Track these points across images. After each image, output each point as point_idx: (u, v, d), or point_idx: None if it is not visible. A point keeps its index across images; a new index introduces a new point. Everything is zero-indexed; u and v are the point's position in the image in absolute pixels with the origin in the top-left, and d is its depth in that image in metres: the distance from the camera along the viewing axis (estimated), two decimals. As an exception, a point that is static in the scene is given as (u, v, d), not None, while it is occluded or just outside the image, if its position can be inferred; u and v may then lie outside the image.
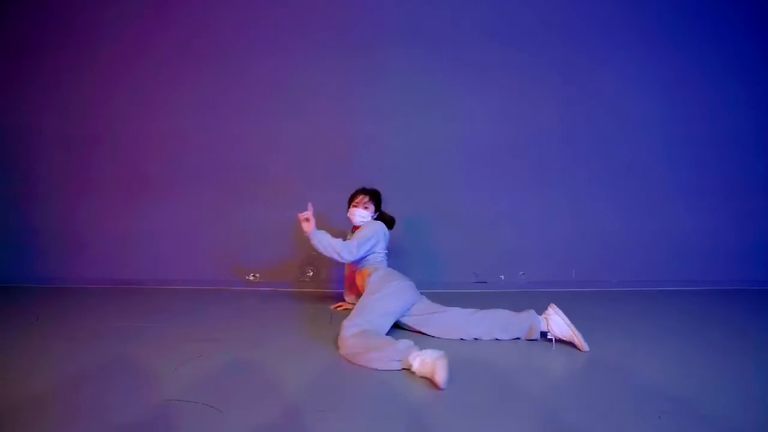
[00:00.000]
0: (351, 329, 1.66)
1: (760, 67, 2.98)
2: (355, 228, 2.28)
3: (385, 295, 1.85)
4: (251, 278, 2.97)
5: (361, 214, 2.22)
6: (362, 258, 2.12)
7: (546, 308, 1.79)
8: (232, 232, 2.98)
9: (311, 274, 2.93)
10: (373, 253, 2.13)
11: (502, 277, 2.92)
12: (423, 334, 1.87)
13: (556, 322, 1.74)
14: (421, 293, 2.01)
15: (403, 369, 1.48)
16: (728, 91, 2.97)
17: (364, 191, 2.28)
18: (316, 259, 2.93)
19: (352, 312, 1.77)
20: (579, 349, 1.67)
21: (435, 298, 2.02)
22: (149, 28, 3.02)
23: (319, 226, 2.07)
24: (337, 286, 2.87)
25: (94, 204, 3.03)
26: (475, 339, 1.81)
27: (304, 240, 2.80)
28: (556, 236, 2.94)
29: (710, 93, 2.97)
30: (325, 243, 2.00)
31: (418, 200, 2.89)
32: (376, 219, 2.28)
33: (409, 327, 1.91)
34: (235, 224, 2.97)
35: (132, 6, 3.02)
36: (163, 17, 3.02)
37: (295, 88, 2.96)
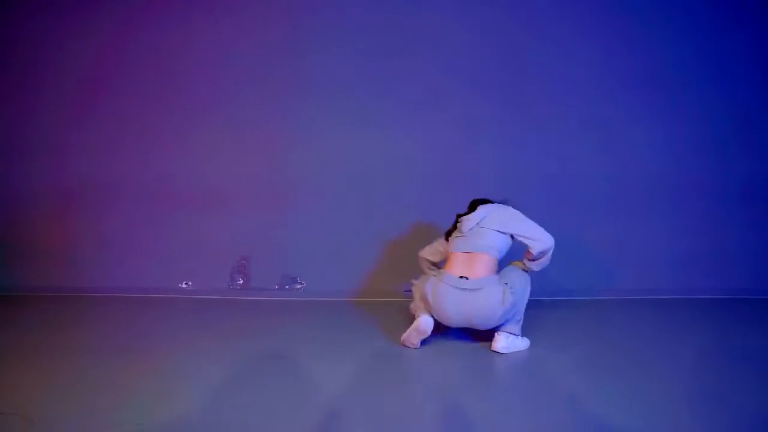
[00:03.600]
0: None
1: (733, 65, 2.87)
2: None
3: None
4: (184, 286, 3.02)
5: None
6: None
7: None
8: (166, 240, 3.02)
9: (241, 282, 2.96)
10: None
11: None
12: None
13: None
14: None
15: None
16: (701, 92, 2.88)
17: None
18: (246, 267, 2.97)
19: None
20: None
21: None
22: (90, 39, 3.07)
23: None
24: (268, 294, 2.90)
25: (30, 211, 3.10)
26: None
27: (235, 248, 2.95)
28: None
29: (681, 94, 2.89)
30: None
31: (353, 212, 2.90)
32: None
33: None
34: (170, 232, 3.02)
35: (69, 15, 3.09)
36: (104, 27, 3.07)
37: (230, 98, 2.98)
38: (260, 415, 1.32)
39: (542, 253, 1.94)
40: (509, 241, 1.96)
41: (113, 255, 3.06)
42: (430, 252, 2.22)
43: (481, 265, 1.86)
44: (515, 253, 2.06)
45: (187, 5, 3.00)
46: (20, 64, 3.09)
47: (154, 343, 2.03)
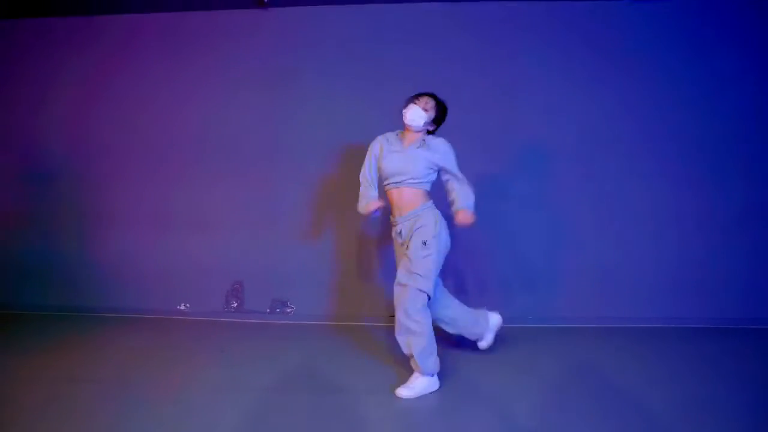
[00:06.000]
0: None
1: (723, 93, 2.94)
2: (407, 130, 2.05)
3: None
4: (182, 308, 3.21)
5: (417, 113, 1.97)
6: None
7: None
8: (166, 265, 3.21)
9: (235, 305, 3.14)
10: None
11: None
12: None
13: None
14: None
15: None
16: (689, 117, 2.95)
17: (430, 94, 2.05)
18: (240, 291, 3.15)
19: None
20: None
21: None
22: (106, 91, 3.29)
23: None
24: (259, 317, 3.07)
25: (34, 233, 3.33)
26: None
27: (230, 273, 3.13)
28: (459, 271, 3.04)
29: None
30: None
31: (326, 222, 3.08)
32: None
33: None
34: (169, 257, 3.21)
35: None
36: (117, 82, 3.29)
37: (218, 125, 3.19)
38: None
39: None
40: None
41: (116, 277, 3.26)
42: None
43: None
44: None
45: (182, 51, 3.25)
46: (43, 103, 3.35)
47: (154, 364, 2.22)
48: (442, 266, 2.00)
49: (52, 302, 3.30)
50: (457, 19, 3.07)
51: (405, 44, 3.08)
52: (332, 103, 3.12)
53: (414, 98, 2.03)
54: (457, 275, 3.00)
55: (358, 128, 3.04)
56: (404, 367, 2.01)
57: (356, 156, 3.04)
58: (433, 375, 1.91)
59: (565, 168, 3.01)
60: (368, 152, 2.11)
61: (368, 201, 2.06)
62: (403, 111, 2.01)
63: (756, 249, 2.94)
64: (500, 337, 2.35)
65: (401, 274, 1.92)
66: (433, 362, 1.90)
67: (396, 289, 1.92)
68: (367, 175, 2.09)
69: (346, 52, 3.12)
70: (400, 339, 1.91)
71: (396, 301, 1.91)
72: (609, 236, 3.00)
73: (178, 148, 3.23)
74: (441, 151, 1.99)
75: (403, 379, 1.94)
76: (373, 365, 2.22)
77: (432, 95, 2.04)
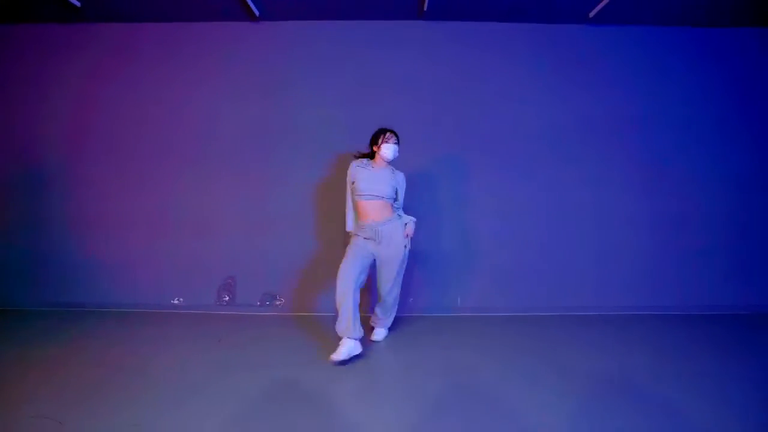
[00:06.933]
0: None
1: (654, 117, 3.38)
2: (376, 161, 2.54)
3: None
4: (176, 302, 3.38)
5: (395, 149, 2.51)
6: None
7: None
8: (160, 261, 3.38)
9: (227, 299, 3.33)
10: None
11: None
12: None
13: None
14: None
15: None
16: (632, 137, 3.38)
17: (390, 130, 2.53)
18: (232, 285, 3.34)
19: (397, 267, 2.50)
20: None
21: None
22: (107, 104, 3.45)
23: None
24: (249, 309, 3.27)
25: (43, 233, 3.46)
26: None
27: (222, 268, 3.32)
28: (442, 264, 3.31)
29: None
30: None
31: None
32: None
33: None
34: (164, 254, 3.38)
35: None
36: (120, 94, 3.45)
37: (212, 128, 3.40)
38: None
39: None
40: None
41: (112, 273, 3.41)
42: None
43: None
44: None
45: (185, 66, 3.45)
46: (53, 119, 3.49)
47: (151, 354, 2.41)
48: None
49: (49, 299, 3.42)
50: (440, 35, 3.37)
51: (387, 55, 3.37)
52: (320, 108, 3.37)
53: (386, 137, 2.49)
54: (437, 270, 3.27)
55: (346, 132, 3.33)
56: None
57: (343, 159, 3.32)
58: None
59: (546, 173, 3.38)
60: (347, 178, 2.56)
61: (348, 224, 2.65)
62: (382, 147, 2.48)
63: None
64: (489, 323, 2.62)
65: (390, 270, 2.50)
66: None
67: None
68: (348, 200, 2.62)
69: (333, 60, 3.40)
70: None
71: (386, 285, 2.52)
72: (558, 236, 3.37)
73: (174, 150, 3.41)
74: (402, 181, 2.58)
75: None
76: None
77: (392, 131, 2.53)
